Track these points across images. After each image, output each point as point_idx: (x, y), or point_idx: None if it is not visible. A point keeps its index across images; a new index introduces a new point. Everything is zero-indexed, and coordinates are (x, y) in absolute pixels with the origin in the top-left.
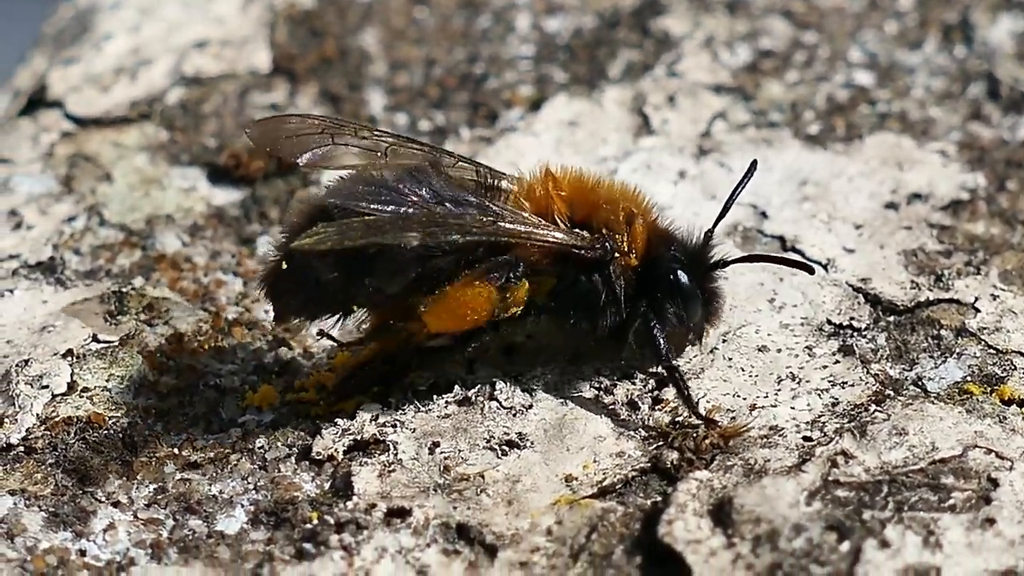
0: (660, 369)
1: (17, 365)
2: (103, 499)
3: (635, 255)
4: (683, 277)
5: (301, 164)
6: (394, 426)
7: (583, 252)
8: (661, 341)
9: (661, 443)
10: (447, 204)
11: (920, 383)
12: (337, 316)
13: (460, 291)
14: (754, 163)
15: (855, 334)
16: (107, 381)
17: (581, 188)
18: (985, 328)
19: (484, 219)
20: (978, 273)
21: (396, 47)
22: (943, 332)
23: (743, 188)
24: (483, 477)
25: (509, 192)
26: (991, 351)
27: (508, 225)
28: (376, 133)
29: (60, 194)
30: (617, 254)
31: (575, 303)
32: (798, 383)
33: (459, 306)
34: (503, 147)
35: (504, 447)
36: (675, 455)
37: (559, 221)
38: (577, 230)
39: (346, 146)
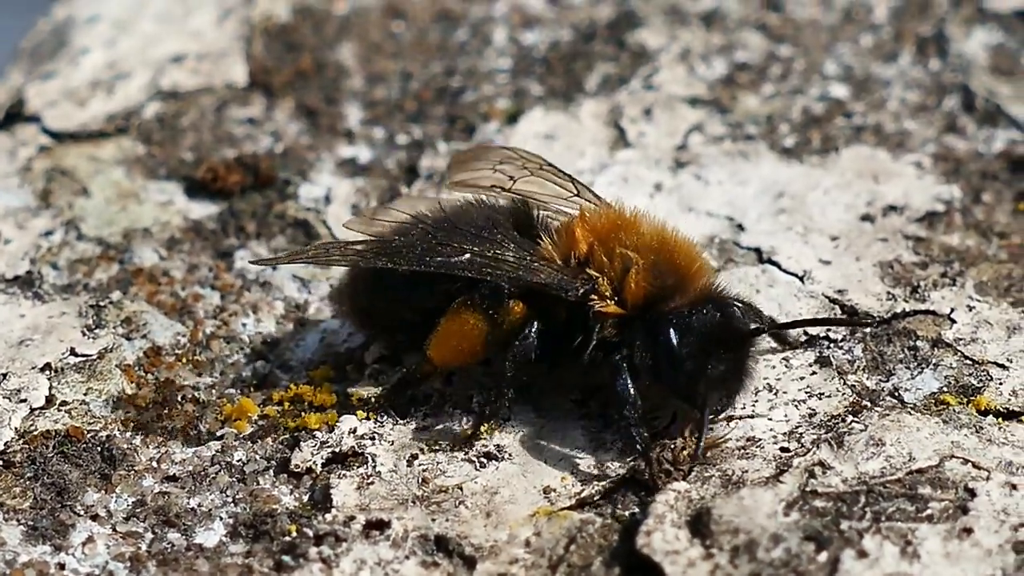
0: (619, 419)
1: None
2: (82, 512)
3: (615, 302)
4: (671, 336)
5: (447, 177)
6: (372, 438)
7: (556, 293)
8: (622, 390)
9: (639, 454)
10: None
11: (897, 394)
12: (378, 331)
13: (450, 322)
14: None
15: (832, 345)
16: (85, 395)
17: (606, 232)
18: (961, 339)
19: (446, 250)
20: (954, 284)
21: (373, 61)
22: (919, 343)
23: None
24: (461, 489)
25: (546, 231)
26: (967, 362)
27: (460, 259)
28: (540, 169)
29: (37, 208)
30: (594, 296)
31: (559, 339)
32: (775, 394)
33: (452, 337)
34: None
35: (482, 459)
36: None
37: (571, 262)
38: (560, 270)
39: (492, 170)
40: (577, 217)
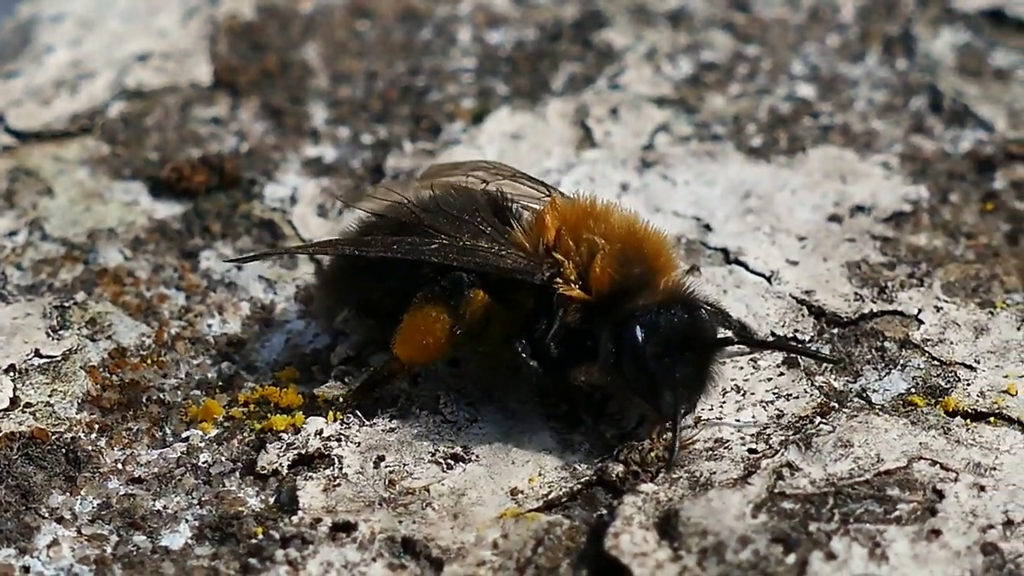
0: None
1: None
2: (46, 515)
3: (580, 287)
4: (637, 334)
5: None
6: (339, 440)
7: (521, 278)
8: (528, 364)
9: (606, 456)
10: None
11: (864, 395)
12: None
13: (413, 317)
14: None
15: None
16: (50, 396)
17: (576, 220)
18: (929, 340)
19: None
20: (921, 285)
21: (338, 60)
22: (887, 344)
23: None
24: (428, 491)
25: (518, 220)
26: (935, 363)
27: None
28: (513, 177)
29: (1, 208)
30: (559, 280)
31: (526, 326)
32: (743, 395)
33: (416, 332)
34: (446, 160)
35: (449, 461)
36: (620, 468)
37: (539, 249)
38: (528, 256)
39: (465, 176)
40: (548, 205)
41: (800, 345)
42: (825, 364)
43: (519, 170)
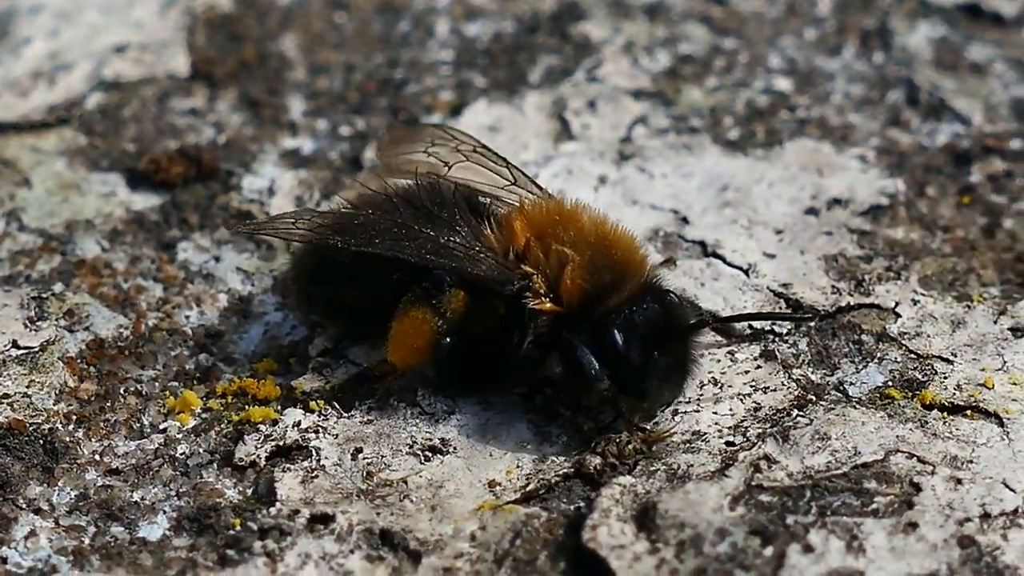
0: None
1: None
2: (24, 506)
3: (551, 299)
4: (616, 337)
5: (377, 159)
6: (316, 432)
7: (493, 287)
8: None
9: (584, 448)
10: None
11: (842, 388)
12: (330, 317)
13: (401, 322)
14: None
15: (776, 339)
16: (27, 387)
17: (544, 227)
18: (906, 333)
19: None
20: (898, 278)
21: (316, 52)
22: (864, 337)
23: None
24: (406, 483)
25: (488, 220)
26: (912, 356)
27: (399, 243)
28: (474, 152)
29: None
30: (529, 294)
31: (503, 327)
32: (720, 388)
33: (406, 336)
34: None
35: (427, 452)
36: (598, 460)
37: (510, 255)
38: (500, 263)
39: (425, 153)
40: (516, 209)
41: (772, 312)
42: (799, 326)
43: (479, 142)
